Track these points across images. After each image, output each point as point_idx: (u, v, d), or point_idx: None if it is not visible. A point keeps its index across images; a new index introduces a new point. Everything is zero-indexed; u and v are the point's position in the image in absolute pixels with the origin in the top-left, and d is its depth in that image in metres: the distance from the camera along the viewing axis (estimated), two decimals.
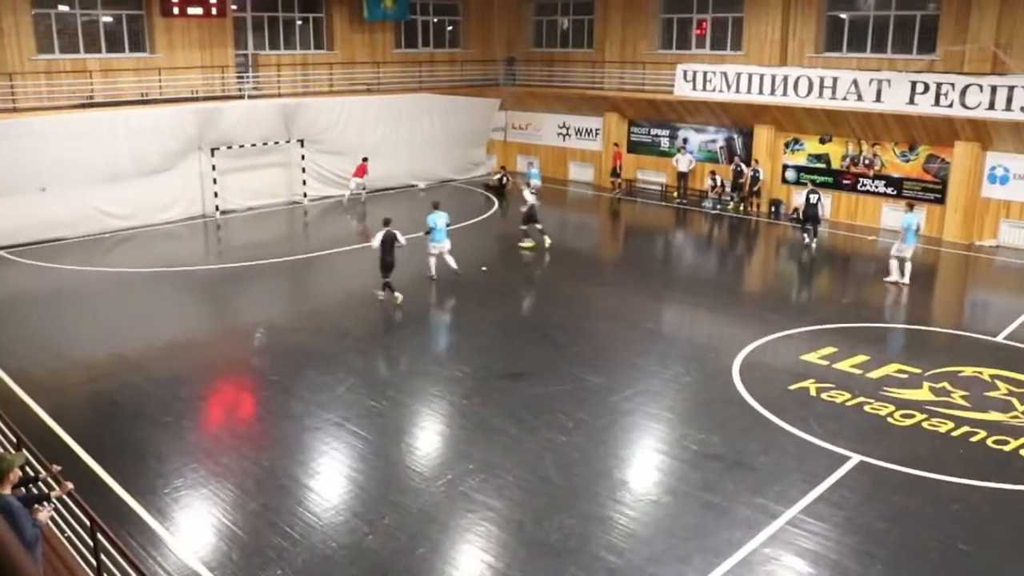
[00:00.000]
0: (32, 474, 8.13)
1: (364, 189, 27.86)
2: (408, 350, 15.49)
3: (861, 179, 25.05)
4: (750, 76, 25.78)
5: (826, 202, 25.09)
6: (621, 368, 14.09)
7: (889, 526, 9.52)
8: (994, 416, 12.30)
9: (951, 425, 11.99)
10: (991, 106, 21.49)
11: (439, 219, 18.56)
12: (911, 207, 19.92)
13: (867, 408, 12.53)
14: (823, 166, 25.76)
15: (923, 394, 13.03)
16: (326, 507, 9.86)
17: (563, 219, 27.74)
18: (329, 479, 10.58)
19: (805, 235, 22.49)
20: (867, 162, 24.89)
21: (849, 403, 12.70)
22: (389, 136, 29.13)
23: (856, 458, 11.00)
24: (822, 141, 25.71)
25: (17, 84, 22.34)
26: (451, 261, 18.69)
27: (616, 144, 30.19)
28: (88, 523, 7.46)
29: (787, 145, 26.48)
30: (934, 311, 18.51)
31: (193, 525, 9.55)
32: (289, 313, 17.45)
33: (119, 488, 10.14)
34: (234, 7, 26.52)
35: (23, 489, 7.68)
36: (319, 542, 9.13)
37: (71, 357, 14.58)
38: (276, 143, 26.61)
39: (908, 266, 18.77)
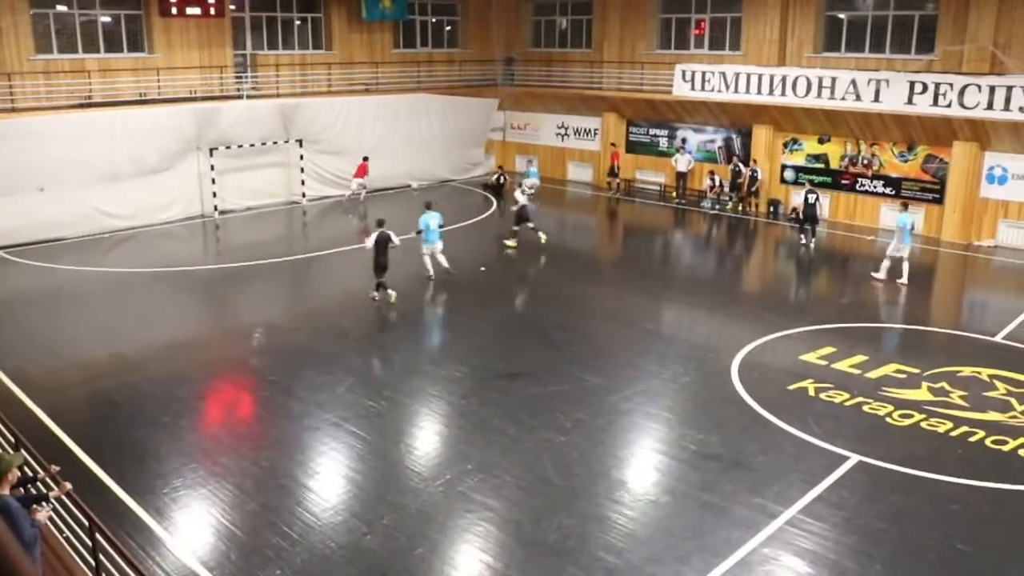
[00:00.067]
0: (30, 474, 8.13)
1: (364, 189, 27.87)
2: (406, 350, 15.48)
3: (860, 179, 25.06)
4: (748, 76, 25.78)
5: (825, 202, 25.15)
6: (620, 368, 14.09)
7: (888, 526, 9.53)
8: (993, 416, 12.31)
9: (950, 425, 12.00)
10: (989, 106, 21.50)
11: (431, 220, 18.59)
12: (905, 207, 19.93)
13: (866, 408, 12.53)
14: (822, 166, 25.77)
15: (922, 394, 13.04)
16: (325, 507, 9.86)
17: (562, 219, 27.77)
18: (328, 479, 10.57)
19: (802, 235, 22.53)
20: (865, 162, 24.91)
21: (848, 403, 12.71)
22: (387, 136, 29.13)
23: (855, 458, 11.01)
24: (820, 141, 25.73)
25: (15, 84, 22.32)
26: (443, 260, 18.74)
27: (613, 144, 30.19)
28: (86, 523, 7.46)
29: (786, 145, 26.49)
30: (932, 311, 18.52)
31: (192, 525, 9.54)
32: (288, 313, 17.44)
33: (118, 488, 10.14)
34: (232, 7, 26.51)
35: (22, 489, 7.67)
36: (318, 542, 9.13)
37: (70, 357, 14.57)
38: (275, 143, 26.61)
39: (906, 266, 18.79)
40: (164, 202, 24.45)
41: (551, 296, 18.24)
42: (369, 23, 29.68)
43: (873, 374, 13.78)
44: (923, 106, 22.56)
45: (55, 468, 7.91)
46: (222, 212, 25.60)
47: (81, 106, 23.27)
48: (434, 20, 32.47)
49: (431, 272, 18.79)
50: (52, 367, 14.06)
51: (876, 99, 23.31)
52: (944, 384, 13.41)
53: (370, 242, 17.09)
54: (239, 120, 25.29)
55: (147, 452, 11.10)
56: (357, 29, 29.58)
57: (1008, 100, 21.17)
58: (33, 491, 7.94)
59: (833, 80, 24.00)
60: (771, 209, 26.41)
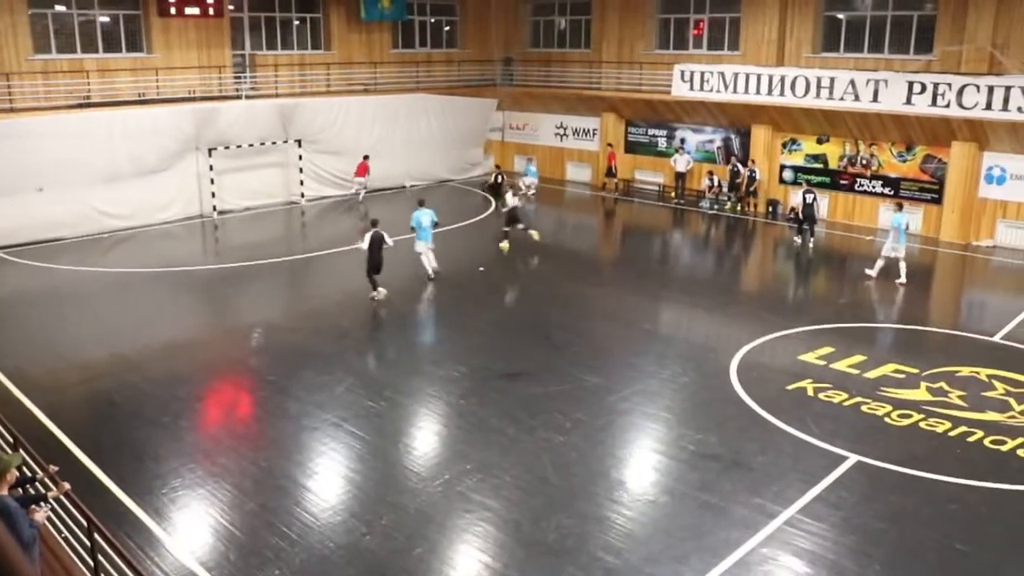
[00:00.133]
0: (29, 474, 8.12)
1: (364, 188, 27.88)
2: (406, 350, 15.49)
3: (858, 179, 25.08)
4: (747, 76, 25.80)
5: (823, 202, 25.18)
6: (619, 368, 14.10)
7: (886, 526, 9.54)
8: (991, 416, 12.31)
9: (948, 425, 12.01)
10: (988, 106, 21.52)
11: (423, 217, 18.63)
12: (900, 207, 19.94)
13: (864, 408, 12.54)
14: (820, 166, 25.79)
15: (920, 394, 13.05)
16: (324, 507, 9.86)
17: (560, 219, 27.79)
18: (327, 479, 10.57)
19: (800, 236, 22.54)
20: (864, 162, 24.92)
21: (846, 403, 12.71)
22: (386, 136, 29.12)
23: (853, 458, 11.02)
24: (819, 141, 25.74)
25: (14, 84, 22.32)
26: (431, 260, 18.80)
27: (610, 144, 30.22)
28: (85, 523, 7.45)
29: (784, 145, 26.50)
30: (931, 311, 18.53)
31: (190, 525, 9.54)
32: (287, 313, 17.44)
33: (116, 488, 10.14)
34: (231, 7, 26.52)
35: (20, 489, 7.67)
36: (317, 542, 9.13)
37: (69, 357, 14.56)
38: (273, 143, 26.60)
39: (903, 266, 18.81)
40: (163, 202, 24.45)
41: (550, 296, 18.24)
42: (368, 23, 29.69)
43: (872, 374, 13.79)
44: (922, 106, 22.58)
45: (54, 468, 7.90)
46: (221, 212, 25.59)
47: (80, 106, 23.26)
48: (433, 20, 32.47)
49: (430, 271, 18.82)
50: (51, 367, 14.05)
51: (875, 99, 23.33)
52: (943, 384, 13.42)
53: (365, 242, 17.11)
54: (238, 120, 25.29)
55: (146, 452, 11.10)
56: (356, 29, 29.58)
57: (1007, 100, 21.19)
58: (32, 491, 7.93)
59: (832, 80, 24.02)
60: (770, 209, 26.42)
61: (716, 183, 27.30)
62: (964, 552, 9.12)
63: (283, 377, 13.64)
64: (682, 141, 28.87)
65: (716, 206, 27.18)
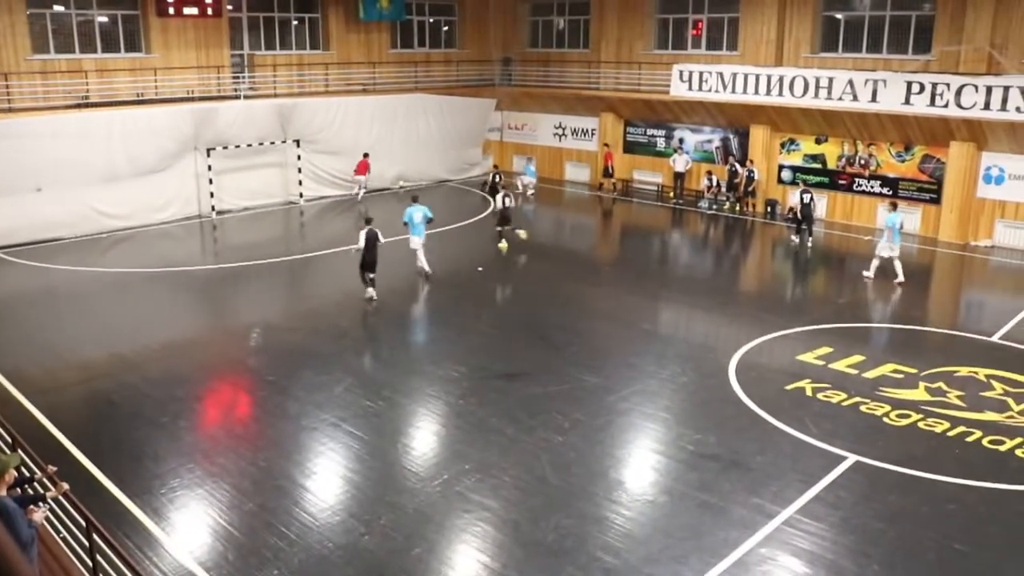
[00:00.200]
0: (28, 474, 8.11)
1: (364, 188, 27.89)
2: (404, 350, 15.49)
3: (857, 179, 25.10)
4: (746, 76, 25.81)
5: (822, 202, 25.21)
6: (618, 368, 14.10)
7: (885, 526, 9.54)
8: (990, 416, 12.32)
9: (947, 425, 12.01)
10: (987, 106, 21.53)
11: (415, 213, 18.79)
12: (895, 206, 19.96)
13: (863, 408, 12.55)
14: (819, 166, 25.80)
15: (919, 394, 13.05)
16: (322, 507, 9.86)
17: (559, 219, 27.81)
18: (326, 479, 10.57)
19: (798, 236, 22.55)
20: (863, 162, 24.93)
21: (845, 403, 12.72)
22: (385, 136, 29.11)
23: (852, 458, 11.02)
24: (818, 141, 25.75)
25: (12, 84, 22.31)
26: (422, 258, 18.93)
27: (607, 144, 30.25)
28: (84, 524, 7.45)
29: (783, 145, 26.51)
30: (930, 311, 18.55)
31: (189, 526, 9.54)
32: (286, 313, 17.44)
33: (115, 489, 10.13)
34: (230, 7, 26.52)
35: (19, 490, 7.66)
36: (315, 542, 9.12)
37: (67, 357, 14.55)
38: (272, 143, 26.59)
39: (898, 264, 18.87)
40: (161, 202, 24.44)
41: (549, 296, 18.23)
42: (366, 23, 29.68)
43: (870, 374, 13.80)
44: (920, 106, 22.59)
45: (52, 468, 7.89)
46: (219, 212, 25.58)
47: (78, 106, 23.26)
48: (431, 20, 32.47)
49: (427, 268, 18.90)
50: (50, 367, 14.04)
51: (873, 99, 23.34)
52: (941, 384, 13.42)
53: (361, 240, 17.15)
54: (236, 120, 25.27)
55: (145, 452, 11.09)
56: (354, 29, 29.58)
57: (1005, 100, 21.20)
58: (30, 491, 7.92)
59: (830, 80, 24.03)
60: (768, 209, 26.43)
61: (715, 183, 27.31)
62: (963, 552, 9.12)
63: (282, 377, 13.64)
64: (680, 141, 28.88)
65: (715, 206, 27.20)
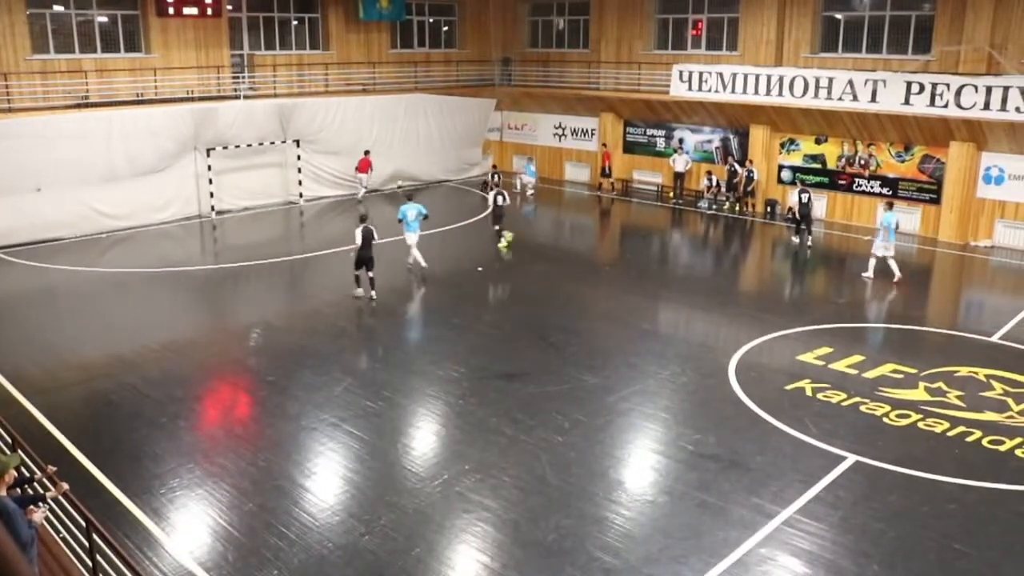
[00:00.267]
0: (28, 475, 8.11)
1: (366, 186, 27.91)
2: (404, 350, 15.49)
3: (856, 179, 25.10)
4: (746, 76, 25.81)
5: (821, 202, 25.24)
6: (617, 368, 14.10)
7: (885, 526, 9.54)
8: (990, 416, 12.32)
9: (947, 425, 12.01)
10: (986, 106, 21.53)
11: (409, 211, 19.08)
12: (890, 205, 20.00)
13: (863, 408, 12.55)
14: (819, 166, 25.81)
15: (919, 394, 13.06)
16: (322, 507, 9.86)
17: (559, 219, 27.82)
18: (325, 479, 10.57)
19: (798, 236, 22.57)
20: (862, 162, 24.94)
21: (845, 403, 12.72)
22: (385, 136, 29.13)
23: (852, 458, 11.02)
24: (818, 141, 25.75)
25: (12, 84, 22.31)
26: (414, 255, 19.17)
27: (604, 144, 30.29)
28: (84, 524, 7.45)
29: (783, 145, 26.51)
30: (929, 311, 18.55)
31: (189, 526, 9.54)
32: (285, 313, 17.44)
33: (115, 489, 10.13)
34: (230, 7, 26.52)
35: (19, 490, 7.66)
36: (315, 542, 9.12)
37: (67, 358, 14.55)
38: (272, 143, 26.60)
39: (893, 263, 18.96)
40: (161, 202, 24.44)
41: (549, 296, 18.24)
42: (366, 23, 29.68)
43: (870, 374, 13.80)
44: (920, 106, 22.59)
45: (52, 468, 7.90)
46: (219, 212, 25.58)
47: (78, 106, 23.26)
48: (431, 20, 32.47)
49: (423, 263, 19.10)
50: (49, 367, 14.04)
51: (873, 99, 23.34)
52: (941, 384, 13.43)
53: (359, 237, 17.19)
54: (236, 120, 25.27)
55: (144, 452, 11.09)
56: (354, 29, 29.58)
57: (1005, 100, 21.20)
58: (30, 492, 7.92)
59: (830, 80, 24.03)
60: (768, 209, 26.43)
61: (715, 183, 27.32)
62: (962, 552, 9.12)
63: (281, 377, 13.64)
64: (680, 141, 28.88)
65: (714, 206, 27.20)
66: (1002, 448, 11.38)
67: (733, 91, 26.15)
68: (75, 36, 23.87)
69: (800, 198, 22.23)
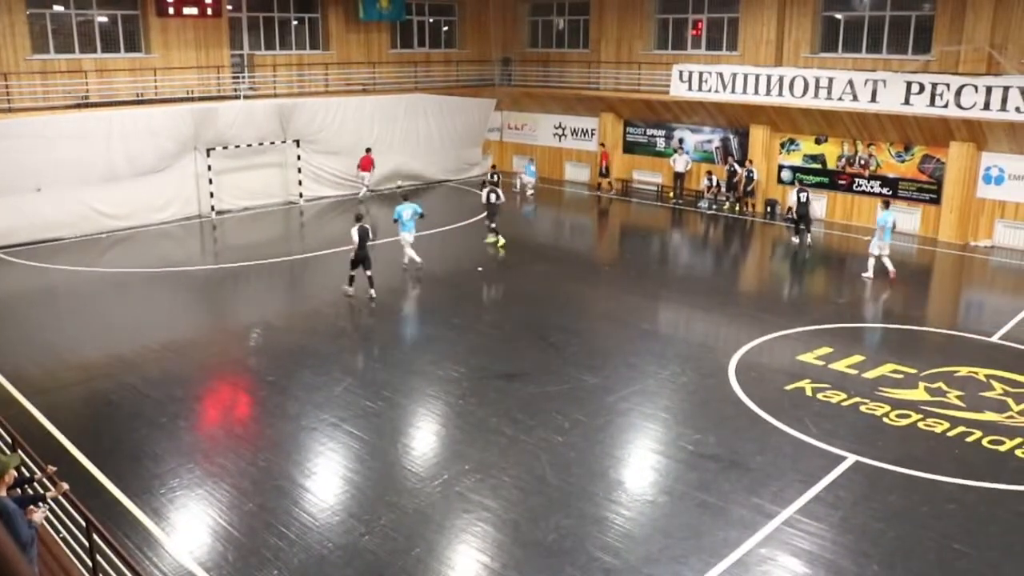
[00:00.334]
0: (28, 475, 8.11)
1: (367, 185, 27.93)
2: (404, 350, 15.49)
3: (856, 179, 25.10)
4: (746, 76, 25.81)
5: (821, 202, 25.25)
6: (617, 368, 14.10)
7: (885, 526, 9.54)
8: (989, 416, 12.33)
9: (947, 425, 12.02)
10: (986, 106, 21.53)
11: (404, 211, 19.27)
12: (887, 205, 20.03)
13: (863, 408, 12.55)
14: (819, 166, 25.81)
15: (919, 394, 13.06)
16: (322, 507, 9.86)
17: (559, 219, 27.82)
18: (325, 479, 10.57)
19: (797, 236, 22.59)
20: (862, 162, 24.94)
21: (845, 403, 12.72)
22: (385, 136, 29.13)
23: (852, 458, 11.02)
24: (818, 141, 25.75)
25: (12, 84, 22.31)
26: (410, 252, 19.38)
27: (603, 144, 30.33)
28: (84, 524, 7.45)
29: (783, 146, 26.51)
30: (929, 311, 18.56)
31: (189, 526, 9.54)
32: (285, 313, 17.44)
33: (115, 489, 10.13)
34: (230, 7, 26.52)
35: (19, 490, 7.66)
36: (315, 542, 9.12)
37: (67, 358, 14.55)
38: (272, 143, 26.59)
39: (888, 261, 19.05)
40: (161, 202, 24.44)
41: (549, 296, 18.24)
42: (366, 23, 29.68)
43: (870, 374, 13.80)
44: (920, 106, 22.59)
45: (52, 468, 7.90)
46: (219, 212, 25.58)
47: (78, 106, 23.26)
48: (431, 20, 32.47)
49: (418, 261, 19.28)
50: (49, 367, 14.04)
51: (873, 99, 23.34)
52: (941, 384, 13.43)
53: (356, 236, 17.23)
54: (236, 120, 25.27)
55: (144, 452, 11.10)
56: (354, 29, 29.58)
57: (1005, 100, 21.20)
58: (30, 492, 7.92)
59: (830, 80, 24.03)
60: (768, 209, 26.44)
61: (715, 183, 27.32)
62: (962, 552, 9.12)
63: (281, 377, 13.64)
64: (680, 141, 28.88)
65: (714, 206, 27.21)
66: (1002, 448, 11.39)
67: (733, 91, 26.15)
68: (75, 36, 23.87)
69: (799, 197, 22.24)
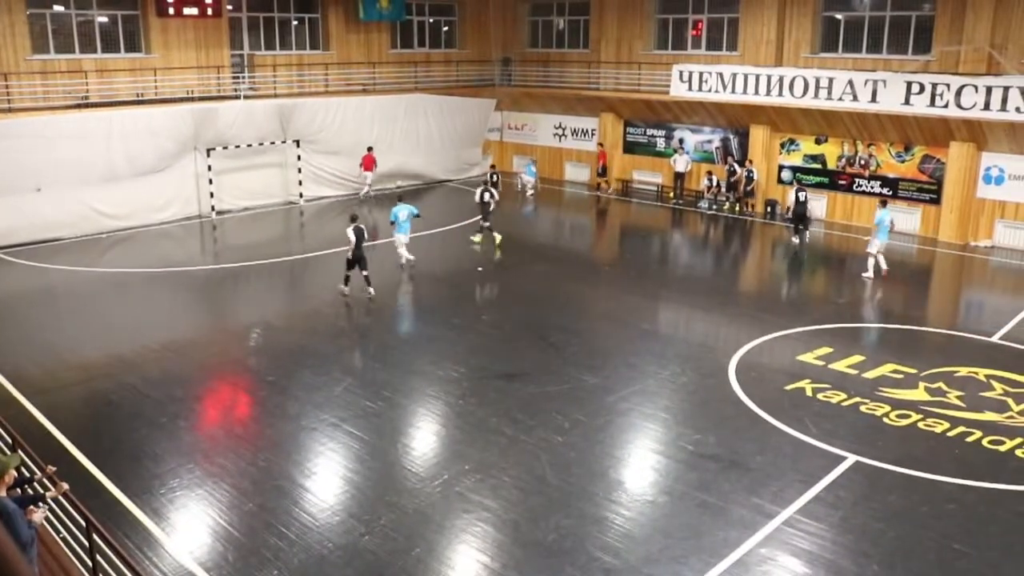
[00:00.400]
0: (27, 475, 8.11)
1: (370, 184, 27.94)
2: (404, 350, 15.48)
3: (857, 180, 25.10)
4: (746, 76, 25.80)
5: (820, 202, 25.26)
6: (617, 368, 14.10)
7: (885, 526, 9.55)
8: (989, 416, 12.33)
9: (947, 425, 12.02)
10: (986, 106, 21.52)
11: (401, 211, 19.43)
12: (884, 203, 20.08)
13: (863, 408, 12.55)
14: (819, 167, 25.80)
15: (919, 394, 13.06)
16: (322, 508, 9.86)
17: (559, 219, 27.82)
18: (325, 480, 10.57)
19: (797, 235, 22.61)
20: (863, 163, 24.94)
21: (845, 403, 12.72)
22: (385, 136, 29.13)
23: (852, 458, 11.02)
24: (818, 142, 25.75)
25: (12, 84, 22.31)
26: (405, 252, 19.51)
27: (601, 144, 30.35)
28: (84, 524, 7.45)
29: (783, 146, 26.51)
30: (929, 311, 18.56)
31: (189, 526, 9.54)
32: (285, 313, 17.45)
33: (115, 489, 10.13)
34: (230, 7, 26.52)
35: (19, 490, 7.66)
36: (315, 543, 9.12)
37: (67, 358, 14.55)
38: (272, 143, 26.59)
39: (882, 258, 19.16)
40: (161, 202, 24.44)
41: (549, 296, 18.24)
42: (366, 23, 29.68)
43: (870, 374, 13.80)
44: (920, 107, 22.59)
45: (52, 468, 7.90)
46: (219, 212, 25.58)
47: (78, 106, 23.26)
48: (431, 20, 32.47)
49: (411, 258, 19.48)
50: (49, 368, 14.04)
51: (873, 99, 23.34)
52: (941, 384, 13.43)
53: (352, 236, 17.25)
54: (236, 120, 25.28)
55: (144, 452, 11.10)
56: (354, 29, 29.57)
57: (1005, 100, 21.20)
58: (30, 492, 7.92)
59: (830, 80, 24.03)
60: (768, 209, 26.43)
61: (715, 183, 27.32)
62: (962, 552, 9.13)
63: (281, 377, 13.65)
64: (680, 141, 28.88)
65: (714, 206, 27.20)
66: (1002, 448, 11.39)
67: (733, 91, 26.14)
68: (75, 36, 23.87)
69: (797, 197, 22.28)
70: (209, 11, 25.08)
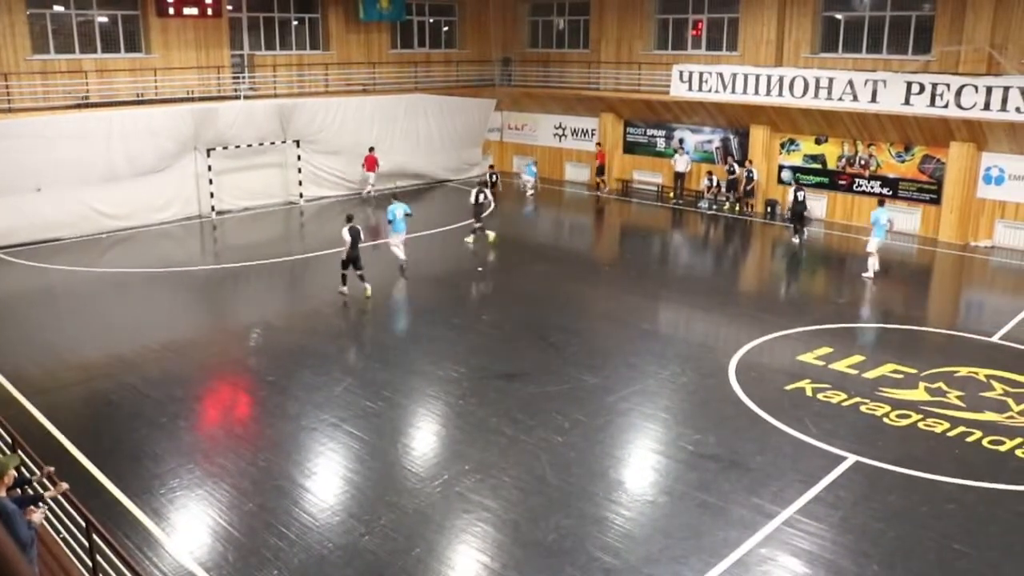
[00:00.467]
0: (27, 475, 8.11)
1: (372, 184, 27.94)
2: (404, 350, 15.47)
3: (857, 180, 25.10)
4: (746, 76, 25.80)
5: (819, 202, 25.28)
6: (617, 368, 14.10)
7: (885, 526, 9.54)
8: (990, 416, 12.32)
9: (947, 425, 12.01)
10: (986, 107, 21.52)
11: (397, 210, 19.51)
12: (881, 203, 20.10)
13: (863, 408, 12.55)
14: (819, 167, 25.80)
15: (919, 394, 13.06)
16: (322, 508, 9.86)
17: (559, 219, 27.82)
18: (325, 480, 10.57)
19: (796, 235, 22.63)
20: (863, 163, 24.93)
21: (845, 403, 12.72)
22: (385, 136, 29.13)
23: (852, 458, 11.02)
24: (818, 142, 25.75)
25: (12, 84, 22.31)
26: (400, 252, 19.55)
27: (599, 144, 30.36)
28: (83, 524, 7.45)
29: (783, 146, 26.51)
30: (929, 311, 18.55)
31: (189, 526, 9.54)
32: (285, 313, 17.45)
33: (115, 489, 10.13)
34: (230, 7, 26.52)
35: (18, 490, 7.66)
36: (315, 543, 9.12)
37: (67, 357, 14.55)
38: (272, 143, 26.60)
39: (877, 257, 19.17)
40: (161, 202, 24.45)
41: (549, 296, 18.24)
42: (366, 23, 29.68)
43: (870, 374, 13.80)
44: (920, 107, 22.59)
45: (50, 469, 7.90)
46: (219, 212, 25.59)
47: (78, 106, 23.26)
48: (431, 21, 32.47)
49: (402, 258, 19.45)
50: (49, 368, 14.04)
51: (873, 100, 23.34)
52: (941, 384, 13.43)
53: (348, 236, 17.29)
54: (236, 120, 25.28)
55: (144, 453, 11.10)
56: (354, 29, 29.58)
57: (1005, 100, 21.19)
58: (30, 492, 7.92)
59: (830, 81, 24.02)
60: (768, 209, 26.43)
61: (715, 183, 27.32)
62: (962, 552, 9.13)
63: (281, 377, 13.65)
64: (681, 141, 28.88)
65: (715, 206, 27.20)
66: (1002, 448, 11.39)
67: (733, 91, 26.14)
68: (75, 36, 23.87)
69: (795, 196, 22.29)
70: (209, 11, 25.09)
